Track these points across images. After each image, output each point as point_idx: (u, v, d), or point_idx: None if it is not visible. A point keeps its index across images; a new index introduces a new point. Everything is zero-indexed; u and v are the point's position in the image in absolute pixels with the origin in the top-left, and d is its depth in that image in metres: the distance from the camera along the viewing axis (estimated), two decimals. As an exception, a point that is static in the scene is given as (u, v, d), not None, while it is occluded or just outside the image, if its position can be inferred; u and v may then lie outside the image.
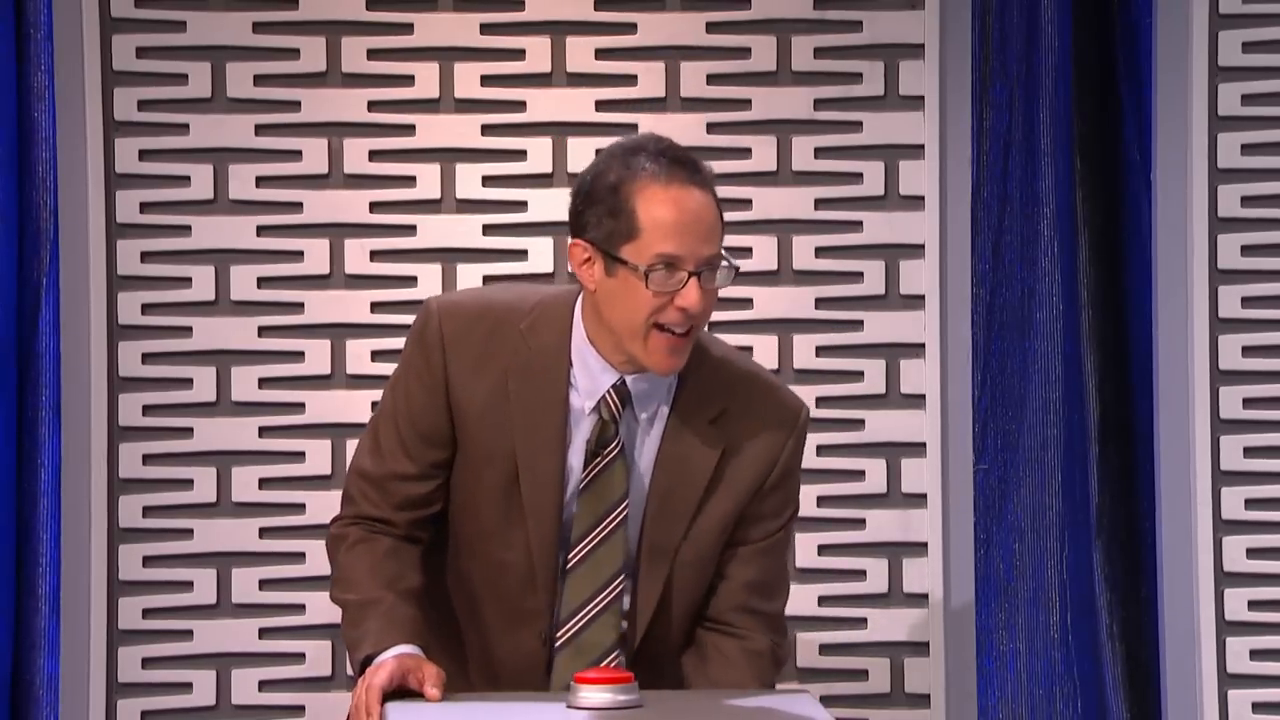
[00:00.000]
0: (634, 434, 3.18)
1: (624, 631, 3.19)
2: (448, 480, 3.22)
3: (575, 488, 3.16)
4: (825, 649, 4.23)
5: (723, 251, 3.09)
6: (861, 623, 4.24)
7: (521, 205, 4.19)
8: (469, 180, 4.20)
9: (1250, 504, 4.28)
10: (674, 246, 3.04)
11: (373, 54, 4.18)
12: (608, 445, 3.16)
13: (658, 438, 3.19)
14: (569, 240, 3.14)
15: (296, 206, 4.18)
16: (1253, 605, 4.27)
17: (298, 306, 4.18)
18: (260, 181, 4.17)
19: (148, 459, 4.15)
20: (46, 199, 4.16)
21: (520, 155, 4.20)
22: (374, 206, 4.19)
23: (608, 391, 3.16)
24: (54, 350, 4.15)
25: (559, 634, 3.17)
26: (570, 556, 3.16)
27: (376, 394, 4.14)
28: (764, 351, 4.18)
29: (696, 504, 3.18)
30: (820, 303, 4.23)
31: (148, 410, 4.15)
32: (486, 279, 4.16)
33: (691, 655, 3.25)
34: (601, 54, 4.20)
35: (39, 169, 4.17)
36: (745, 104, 4.22)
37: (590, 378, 3.16)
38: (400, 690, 3.07)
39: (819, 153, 4.24)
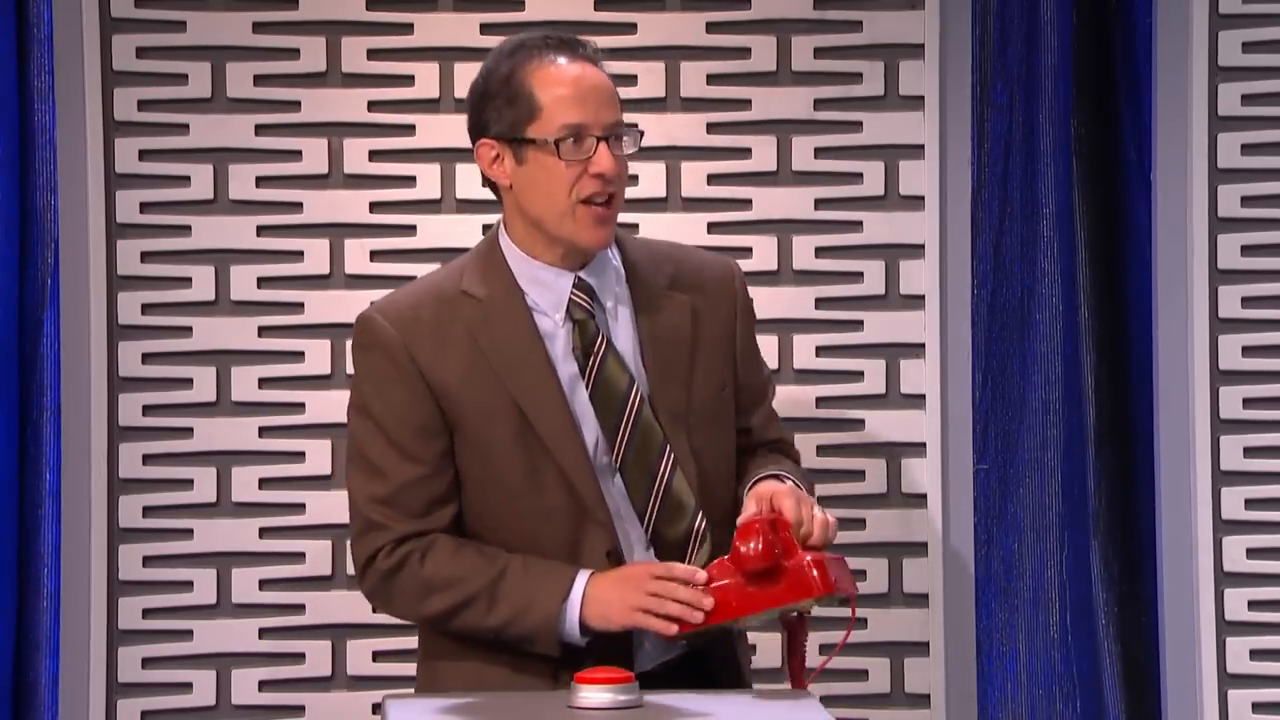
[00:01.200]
0: (607, 325, 3.22)
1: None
2: (457, 475, 3.21)
3: (585, 397, 3.18)
4: (826, 649, 4.23)
5: (623, 120, 3.17)
6: (861, 622, 4.23)
7: (521, 205, 4.19)
8: (469, 180, 4.19)
9: (1250, 504, 4.28)
10: (577, 115, 3.12)
11: (373, 54, 4.18)
12: (594, 341, 3.19)
13: (630, 316, 3.23)
14: (474, 149, 3.20)
15: (296, 206, 4.18)
16: (1253, 605, 4.27)
17: (298, 306, 4.18)
18: (260, 181, 4.17)
19: (148, 459, 4.15)
20: (50, 200, 4.16)
21: (520, 155, 4.20)
22: (374, 206, 4.19)
23: (571, 293, 3.19)
24: (55, 351, 4.15)
25: (646, 525, 3.18)
26: (615, 456, 3.18)
27: (376, 394, 4.16)
28: (764, 351, 4.17)
29: (689, 362, 3.24)
30: (820, 303, 4.23)
31: (148, 410, 4.15)
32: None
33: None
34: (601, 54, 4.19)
35: (42, 170, 4.17)
36: (745, 104, 4.22)
37: (548, 290, 3.20)
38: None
39: (819, 153, 4.24)
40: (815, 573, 3.02)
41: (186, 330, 4.16)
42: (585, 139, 3.12)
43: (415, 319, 3.20)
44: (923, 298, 4.25)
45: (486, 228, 4.17)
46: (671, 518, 3.19)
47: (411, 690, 4.09)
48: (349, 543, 3.32)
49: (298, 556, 4.17)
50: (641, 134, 3.20)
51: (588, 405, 3.19)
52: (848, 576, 3.10)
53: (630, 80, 4.18)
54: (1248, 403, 4.28)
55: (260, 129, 4.17)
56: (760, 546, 3.01)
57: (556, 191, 3.14)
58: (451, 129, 4.19)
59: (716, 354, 3.28)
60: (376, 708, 4.10)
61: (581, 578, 3.12)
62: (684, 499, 3.19)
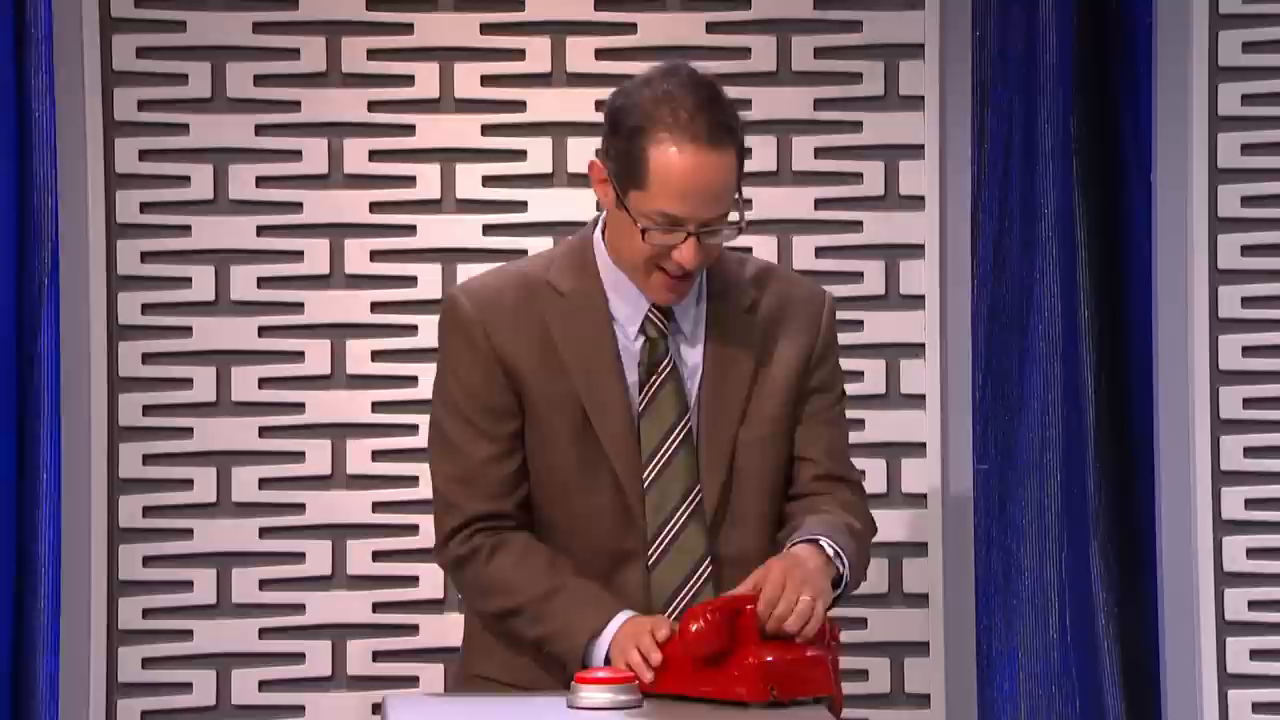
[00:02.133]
0: (680, 346, 3.21)
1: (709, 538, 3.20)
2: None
3: (637, 412, 3.18)
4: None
5: (742, 198, 3.11)
6: (862, 623, 4.24)
7: (522, 205, 4.19)
8: (469, 180, 4.20)
9: (1250, 504, 4.28)
10: (676, 208, 3.07)
11: (373, 54, 4.18)
12: (659, 363, 3.19)
13: (702, 339, 3.22)
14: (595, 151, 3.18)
15: (296, 206, 4.18)
16: (1253, 605, 4.27)
17: (298, 306, 4.18)
18: (260, 181, 4.17)
19: (148, 459, 4.15)
20: (48, 200, 4.16)
21: (520, 155, 4.20)
22: (374, 206, 4.19)
23: (649, 310, 3.19)
24: (55, 351, 4.15)
25: (650, 551, 3.17)
26: (645, 477, 3.17)
27: (377, 394, 4.16)
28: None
29: (748, 389, 3.21)
30: (820, 303, 4.23)
31: (148, 410, 4.15)
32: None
33: (786, 529, 3.23)
34: (601, 54, 4.20)
35: (40, 170, 4.17)
36: (745, 104, 4.22)
37: (628, 303, 3.19)
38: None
39: (819, 153, 4.24)
40: (755, 680, 2.89)
41: (186, 330, 4.16)
42: (677, 230, 3.08)
43: (497, 302, 3.21)
44: (923, 298, 4.25)
45: (487, 228, 4.18)
46: (673, 561, 3.19)
47: (410, 690, 4.10)
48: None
49: (298, 556, 4.17)
50: (741, 230, 3.14)
51: (638, 421, 3.20)
52: (814, 682, 2.96)
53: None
54: (1248, 403, 4.28)
55: (260, 129, 4.17)
56: (702, 629, 2.91)
57: (636, 252, 3.12)
58: (452, 129, 4.19)
59: (781, 378, 3.24)
60: (377, 708, 4.10)
61: (619, 618, 3.10)
62: (690, 549, 3.19)
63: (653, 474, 3.18)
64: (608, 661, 3.08)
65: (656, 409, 3.19)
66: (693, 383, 3.21)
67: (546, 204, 4.17)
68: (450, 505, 3.21)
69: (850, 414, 4.18)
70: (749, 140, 4.19)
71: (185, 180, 4.16)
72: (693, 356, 3.22)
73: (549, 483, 3.21)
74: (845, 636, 4.20)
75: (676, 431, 3.19)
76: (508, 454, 3.20)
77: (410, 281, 4.16)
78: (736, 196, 3.13)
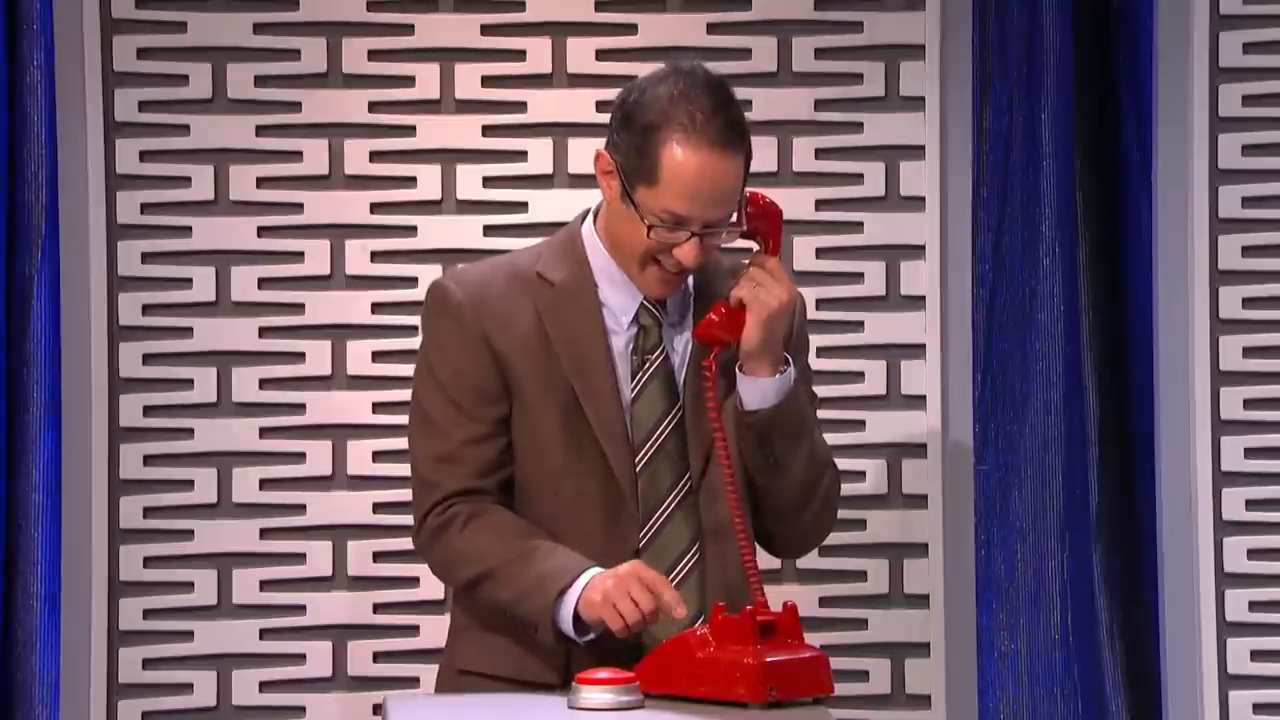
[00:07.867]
0: (672, 337, 3.23)
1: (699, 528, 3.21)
2: (512, 445, 3.22)
3: (629, 398, 3.19)
4: (826, 650, 4.22)
5: (744, 199, 3.14)
6: (862, 623, 4.24)
7: (522, 206, 4.19)
8: (470, 181, 4.20)
9: (1251, 505, 4.28)
10: (684, 208, 3.09)
11: (373, 55, 4.18)
12: (652, 351, 3.20)
13: (689, 325, 3.24)
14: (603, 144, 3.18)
15: (297, 207, 4.18)
16: (1253, 606, 4.27)
17: (298, 307, 4.18)
18: (261, 182, 4.17)
19: (148, 460, 4.15)
20: (39, 195, 4.15)
21: (521, 156, 4.20)
22: (374, 207, 4.19)
23: (643, 300, 3.21)
24: (45, 349, 4.14)
25: (640, 535, 3.19)
26: (637, 461, 3.19)
27: (377, 395, 4.16)
28: (765, 352, 4.18)
29: (729, 385, 3.21)
30: (821, 304, 4.23)
31: (148, 411, 4.15)
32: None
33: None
34: (602, 55, 4.20)
35: (30, 166, 4.16)
36: (745, 105, 4.20)
37: (619, 292, 3.21)
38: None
39: (820, 153, 4.24)
40: (755, 680, 2.92)
41: (187, 331, 4.16)
42: (681, 229, 3.10)
43: (486, 289, 3.22)
44: (923, 298, 4.25)
45: (488, 229, 4.18)
46: (661, 547, 3.19)
47: (411, 691, 4.11)
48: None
49: (298, 557, 4.17)
50: (742, 232, 3.17)
51: (629, 408, 3.21)
52: (814, 682, 3.01)
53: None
54: (1248, 404, 4.28)
55: (261, 130, 4.17)
56: (722, 317, 3.12)
57: (636, 245, 3.14)
58: (452, 130, 4.19)
59: None
60: (377, 708, 4.10)
61: (590, 572, 3.10)
62: (677, 538, 3.20)
63: (644, 459, 3.19)
64: (577, 618, 3.08)
65: (648, 397, 3.20)
66: (681, 370, 3.23)
67: (547, 205, 4.17)
68: (429, 484, 3.21)
69: (850, 414, 4.23)
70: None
71: (186, 181, 4.17)
72: (681, 351, 3.24)
73: (538, 469, 3.21)
74: (846, 637, 4.23)
75: (669, 419, 3.20)
76: (491, 436, 3.20)
77: (411, 282, 4.16)
78: (740, 199, 3.15)
